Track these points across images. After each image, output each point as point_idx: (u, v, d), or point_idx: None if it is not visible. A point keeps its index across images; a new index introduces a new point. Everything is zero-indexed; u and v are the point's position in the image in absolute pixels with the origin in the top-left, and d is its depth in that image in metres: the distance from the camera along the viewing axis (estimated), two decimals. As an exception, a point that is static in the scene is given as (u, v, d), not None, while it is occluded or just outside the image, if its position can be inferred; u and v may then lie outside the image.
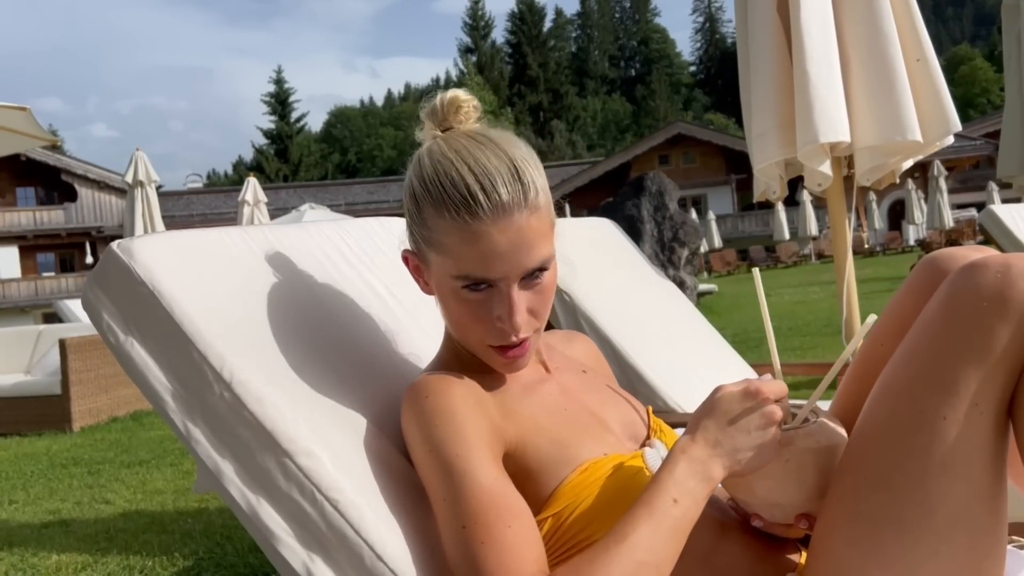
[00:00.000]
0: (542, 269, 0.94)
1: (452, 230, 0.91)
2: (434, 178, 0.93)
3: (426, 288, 1.02)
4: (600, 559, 0.80)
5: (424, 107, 1.02)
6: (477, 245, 0.90)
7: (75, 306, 9.83)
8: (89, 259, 29.73)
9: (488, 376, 1.03)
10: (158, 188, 9.38)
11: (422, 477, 0.93)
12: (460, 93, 1.00)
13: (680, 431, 1.38)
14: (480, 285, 0.93)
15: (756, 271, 1.05)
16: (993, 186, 21.34)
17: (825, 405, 1.14)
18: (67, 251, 32.08)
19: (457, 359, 1.06)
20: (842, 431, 0.94)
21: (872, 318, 0.95)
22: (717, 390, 0.90)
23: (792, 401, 1.01)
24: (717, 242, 27.91)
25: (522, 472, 0.93)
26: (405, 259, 1.03)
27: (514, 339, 0.94)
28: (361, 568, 0.89)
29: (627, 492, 0.93)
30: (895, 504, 0.82)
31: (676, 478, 0.85)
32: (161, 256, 1.00)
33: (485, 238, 0.90)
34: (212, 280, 1.04)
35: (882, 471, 0.84)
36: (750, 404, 0.87)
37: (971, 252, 0.98)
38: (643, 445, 1.06)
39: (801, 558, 0.98)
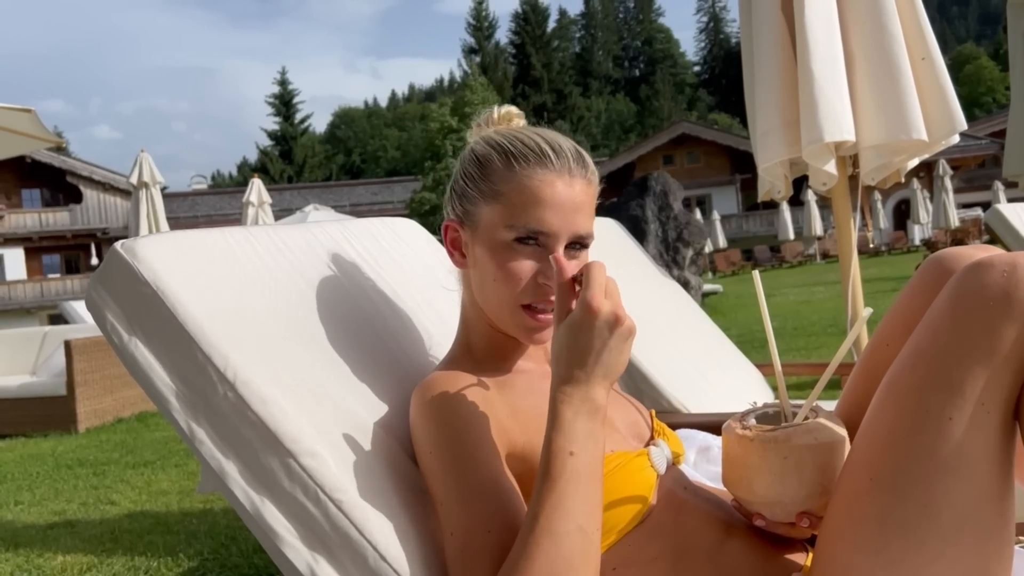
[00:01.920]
0: (585, 244, 1.01)
1: (519, 179, 0.97)
2: (506, 139, 1.01)
3: (460, 260, 1.06)
4: (521, 553, 0.80)
5: (479, 117, 1.11)
6: (541, 194, 0.96)
7: (80, 307, 9.85)
8: (94, 260, 29.81)
9: (497, 373, 1.04)
10: (162, 189, 9.40)
11: (425, 477, 0.94)
12: (513, 108, 1.12)
13: (683, 432, 1.38)
14: (531, 239, 0.97)
15: (756, 273, 1.05)
16: (999, 185, 21.28)
17: (832, 405, 1.14)
18: (72, 252, 32.17)
19: (469, 355, 1.07)
20: (842, 429, 0.94)
21: (868, 311, 0.94)
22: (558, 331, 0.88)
23: (793, 401, 1.01)
24: (721, 242, 27.86)
25: (529, 470, 0.93)
26: (445, 229, 1.06)
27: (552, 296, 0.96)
28: (365, 569, 0.89)
29: (633, 490, 0.93)
30: (900, 506, 0.82)
31: (564, 429, 0.84)
32: (165, 256, 1.00)
33: (549, 188, 0.97)
34: (216, 280, 1.04)
35: (887, 473, 0.83)
36: (590, 322, 0.85)
37: (977, 251, 0.97)
38: (647, 445, 1.06)
39: (807, 560, 0.97)
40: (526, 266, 0.98)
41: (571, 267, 0.93)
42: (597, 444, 0.85)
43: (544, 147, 0.99)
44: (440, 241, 1.13)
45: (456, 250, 1.06)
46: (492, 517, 0.85)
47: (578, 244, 1.00)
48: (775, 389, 1.03)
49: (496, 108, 1.11)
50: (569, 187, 0.98)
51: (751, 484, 0.92)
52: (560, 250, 0.97)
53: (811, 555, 0.95)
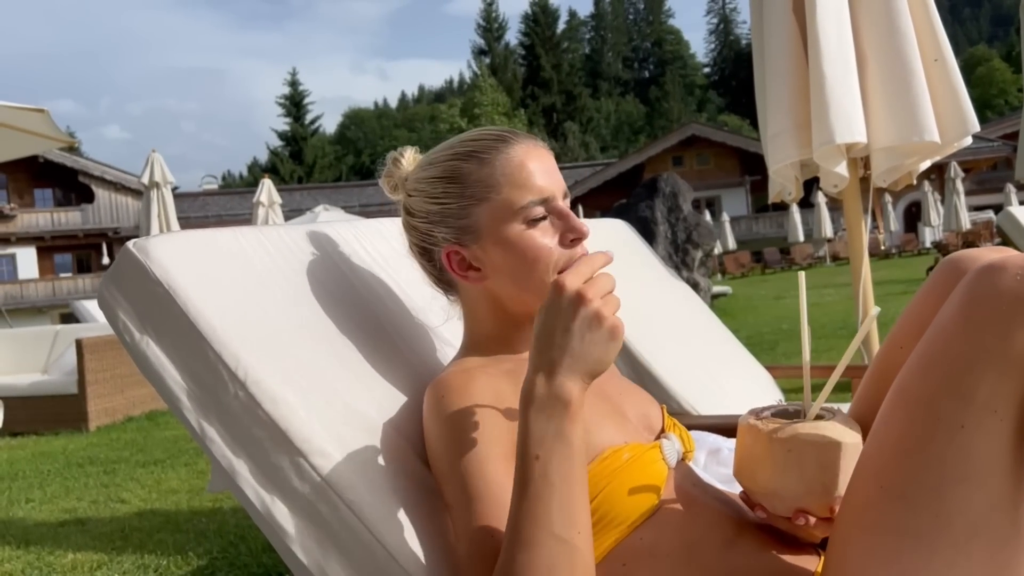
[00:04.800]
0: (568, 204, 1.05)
1: (501, 165, 1.00)
2: (455, 148, 1.04)
3: (476, 276, 1.04)
4: (500, 567, 0.79)
5: (385, 168, 1.13)
6: (527, 166, 1.00)
7: (92, 306, 9.91)
8: (106, 260, 29.98)
9: (507, 362, 1.04)
10: (174, 189, 9.44)
11: (436, 476, 0.94)
12: (408, 148, 1.15)
13: (693, 434, 1.37)
14: (539, 211, 1.00)
15: (802, 275, 1.06)
16: (1011, 188, 21.12)
17: (844, 408, 1.13)
18: (84, 252, 32.36)
19: (478, 349, 1.08)
20: (854, 434, 0.93)
21: (875, 310, 0.94)
22: (540, 311, 0.83)
23: (798, 404, 1.00)
24: (731, 244, 27.75)
25: None
26: (447, 258, 1.04)
27: (581, 245, 1.01)
28: (374, 568, 0.89)
29: (646, 481, 0.93)
30: (911, 514, 0.80)
31: (529, 430, 0.80)
32: (177, 255, 1.01)
33: (528, 157, 1.01)
34: (227, 279, 1.05)
35: (898, 480, 0.82)
36: (555, 300, 0.81)
37: (993, 253, 0.96)
38: (659, 437, 1.05)
39: (818, 565, 0.96)
40: (547, 239, 1.00)
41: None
42: (568, 444, 0.79)
43: (496, 133, 1.03)
44: (432, 280, 1.13)
45: (466, 271, 1.05)
46: (503, 522, 0.85)
47: (566, 201, 1.05)
48: (785, 391, 1.02)
49: (400, 153, 1.13)
50: (539, 151, 1.03)
51: (755, 473, 0.93)
52: (567, 207, 1.02)
53: (822, 560, 0.94)
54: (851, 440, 0.92)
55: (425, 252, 1.09)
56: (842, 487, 0.90)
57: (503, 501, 0.85)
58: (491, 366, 1.02)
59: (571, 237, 1.01)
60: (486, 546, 0.84)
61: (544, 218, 1.00)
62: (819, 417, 0.94)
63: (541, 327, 0.82)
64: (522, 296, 1.03)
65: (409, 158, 1.12)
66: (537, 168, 1.00)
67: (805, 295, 1.03)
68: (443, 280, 1.11)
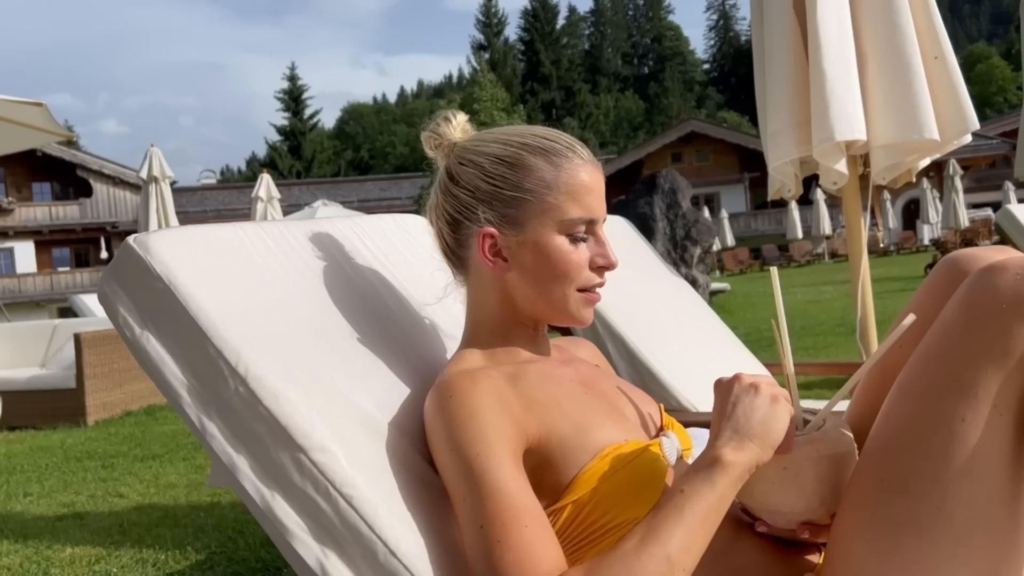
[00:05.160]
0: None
1: (563, 173, 1.02)
2: (527, 138, 1.04)
3: (502, 265, 1.04)
4: (610, 559, 0.81)
5: (434, 126, 1.10)
6: (588, 184, 1.03)
7: (90, 300, 9.91)
8: (104, 254, 29.96)
9: (508, 366, 1.04)
10: (172, 184, 9.43)
11: (444, 476, 0.94)
12: (461, 113, 1.13)
13: (692, 431, 1.38)
14: (582, 229, 1.02)
15: (774, 270, 1.05)
16: (1009, 185, 21.16)
17: (844, 405, 1.13)
18: (82, 246, 32.31)
19: (479, 351, 1.08)
20: (848, 441, 0.92)
21: (911, 318, 0.93)
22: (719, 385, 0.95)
23: (805, 404, 1.00)
24: (730, 240, 27.80)
25: (544, 461, 0.94)
26: (482, 238, 1.04)
27: (606, 276, 1.06)
28: (375, 564, 0.89)
29: (647, 478, 0.93)
30: (913, 507, 0.82)
31: (686, 473, 0.88)
32: (177, 251, 1.00)
33: (587, 176, 1.03)
34: (228, 275, 1.05)
35: (900, 474, 0.83)
36: (729, 385, 0.92)
37: (992, 253, 0.97)
38: (657, 435, 1.06)
39: (820, 559, 0.97)
40: (584, 255, 1.03)
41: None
42: (713, 491, 0.85)
43: (567, 141, 1.05)
44: (445, 250, 1.11)
45: (495, 257, 1.05)
46: (524, 511, 0.85)
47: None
48: (783, 388, 1.02)
49: (452, 115, 1.11)
50: (596, 173, 1.05)
51: (751, 490, 0.92)
52: (604, 234, 1.05)
53: (823, 555, 0.95)
54: (845, 449, 0.92)
55: (454, 222, 1.07)
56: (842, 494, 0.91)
57: (507, 498, 0.85)
58: (493, 368, 1.02)
59: (600, 263, 1.04)
60: (513, 535, 0.83)
61: (584, 239, 1.03)
62: (806, 423, 0.94)
63: (716, 404, 0.93)
64: (537, 301, 1.05)
65: (459, 124, 1.10)
66: (595, 189, 1.03)
67: (780, 293, 1.03)
68: (456, 254, 1.10)
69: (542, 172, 1.02)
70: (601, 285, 1.06)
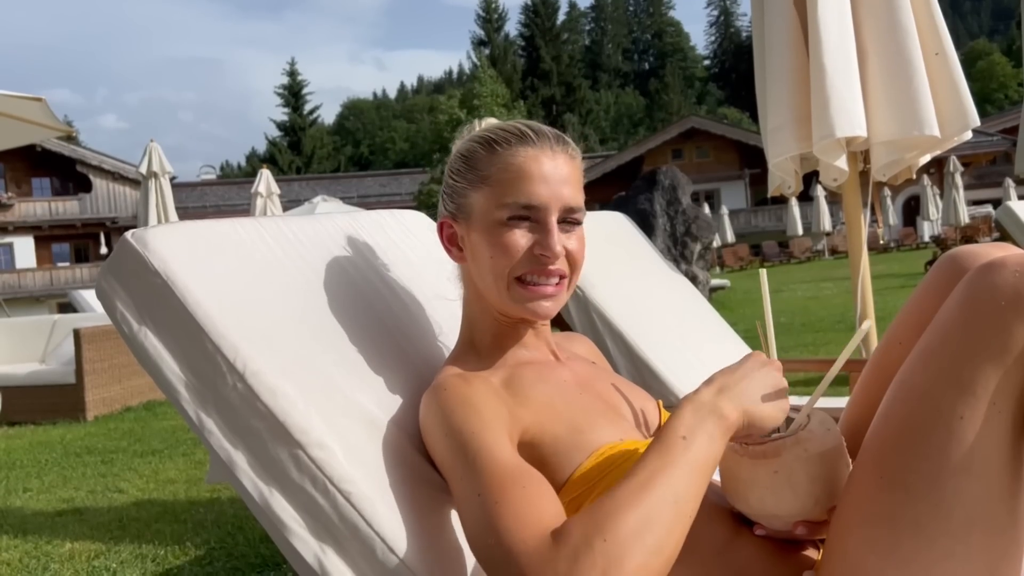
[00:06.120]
0: (576, 219, 1.04)
1: (504, 160, 1.01)
2: (486, 131, 1.06)
3: (458, 255, 1.08)
4: (614, 499, 0.78)
5: (462, 130, 1.14)
6: (527, 169, 1.00)
7: (90, 296, 9.90)
8: (103, 249, 29.91)
9: (503, 368, 1.04)
10: (172, 179, 9.42)
11: (440, 463, 0.93)
12: (493, 120, 1.14)
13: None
14: (524, 215, 1.00)
15: (763, 272, 1.05)
16: (1009, 182, 21.16)
17: (842, 402, 1.13)
18: (82, 241, 32.28)
19: (474, 352, 1.08)
20: (834, 436, 0.92)
21: (867, 323, 0.95)
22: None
23: (793, 401, 1.00)
24: (730, 237, 27.77)
25: (537, 459, 0.93)
26: (440, 227, 1.10)
27: (550, 265, 1.00)
28: (372, 560, 0.89)
29: None
30: (911, 504, 0.82)
31: (684, 421, 0.85)
32: (175, 247, 1.00)
33: (534, 163, 1.00)
34: (226, 271, 1.05)
35: (898, 471, 0.83)
36: (758, 364, 0.94)
37: (992, 250, 0.97)
38: (655, 433, 1.05)
39: (818, 556, 0.97)
40: (521, 240, 1.00)
41: (563, 239, 1.00)
42: (713, 445, 0.84)
43: (523, 128, 1.04)
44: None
45: (453, 246, 1.09)
46: (522, 474, 0.84)
47: (571, 220, 1.03)
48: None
49: (478, 122, 1.14)
50: (552, 160, 1.02)
51: (746, 498, 0.92)
52: (553, 223, 1.00)
53: (821, 552, 0.95)
54: (833, 444, 0.91)
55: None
56: (837, 489, 0.90)
57: (502, 467, 0.85)
58: (486, 372, 1.03)
59: (538, 251, 1.00)
60: (514, 495, 0.82)
61: (527, 220, 1.00)
62: (790, 421, 0.94)
63: (733, 366, 0.93)
64: (487, 291, 1.05)
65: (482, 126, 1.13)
66: (536, 174, 1.00)
67: (768, 296, 1.03)
68: (448, 250, 1.14)
69: (482, 161, 1.03)
70: (546, 275, 1.01)
